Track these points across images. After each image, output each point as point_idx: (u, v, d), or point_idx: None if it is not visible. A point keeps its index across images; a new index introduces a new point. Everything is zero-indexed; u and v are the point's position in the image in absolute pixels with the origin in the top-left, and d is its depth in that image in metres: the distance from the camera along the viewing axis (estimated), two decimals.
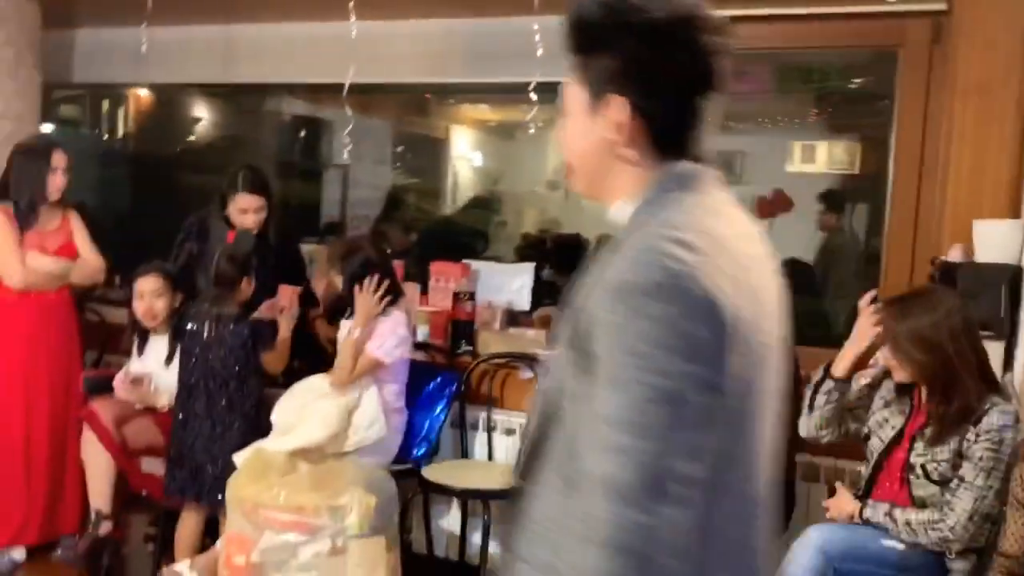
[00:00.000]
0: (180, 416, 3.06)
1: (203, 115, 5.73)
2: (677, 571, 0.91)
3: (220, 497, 2.84)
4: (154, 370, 3.30)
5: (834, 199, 4.25)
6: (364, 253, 3.07)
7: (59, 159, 3.37)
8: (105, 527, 3.17)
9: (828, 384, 2.44)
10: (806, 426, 2.48)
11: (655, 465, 0.90)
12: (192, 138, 5.65)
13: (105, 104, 5.52)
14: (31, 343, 3.33)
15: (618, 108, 1.05)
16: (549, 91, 3.95)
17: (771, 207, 4.34)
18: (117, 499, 3.25)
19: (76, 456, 3.27)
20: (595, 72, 1.06)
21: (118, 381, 3.26)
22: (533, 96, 3.52)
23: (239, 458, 2.78)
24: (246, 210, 3.36)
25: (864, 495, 2.41)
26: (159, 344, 3.32)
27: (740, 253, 1.02)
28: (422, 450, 3.22)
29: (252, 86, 4.79)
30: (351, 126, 3.54)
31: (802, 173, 4.31)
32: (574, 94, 1.09)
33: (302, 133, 5.72)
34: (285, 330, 3.16)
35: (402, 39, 3.97)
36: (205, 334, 3.04)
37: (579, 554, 0.93)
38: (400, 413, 3.15)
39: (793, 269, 3.88)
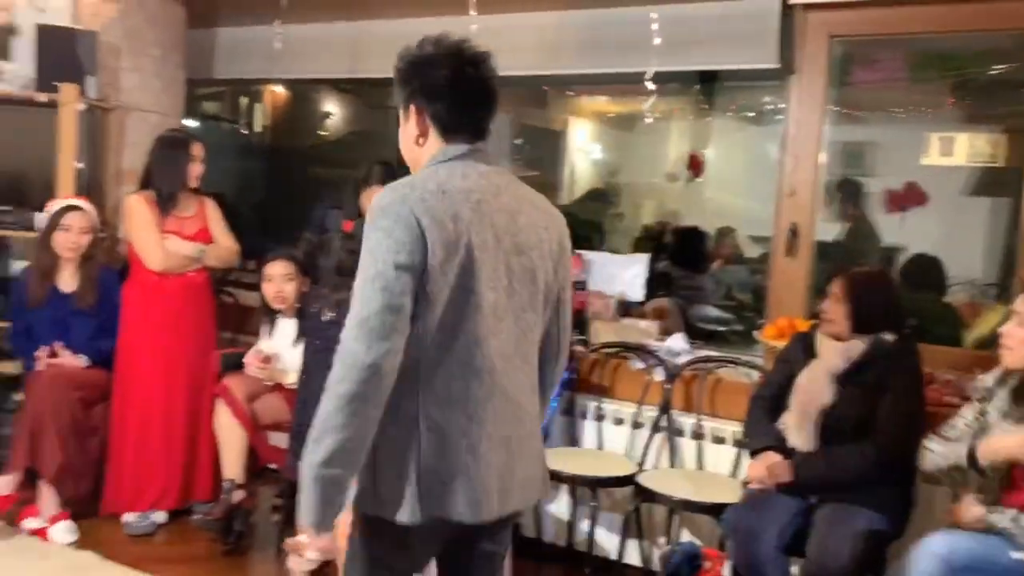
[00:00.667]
0: (302, 395, 3.22)
1: (333, 110, 5.98)
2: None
3: None
4: (282, 350, 3.49)
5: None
6: None
7: (197, 149, 3.61)
8: (237, 495, 3.39)
9: (969, 471, 2.31)
10: (928, 461, 2.40)
11: (361, 314, 1.53)
12: (323, 132, 5.91)
13: (243, 100, 5.84)
14: (172, 321, 3.57)
15: (414, 114, 1.71)
16: (667, 81, 3.93)
17: (902, 200, 4.16)
18: (247, 470, 3.46)
19: (210, 429, 3.50)
20: (402, 96, 1.72)
21: (249, 359, 3.47)
22: (650, 86, 3.50)
23: None
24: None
25: (992, 501, 2.29)
26: (287, 325, 3.51)
27: (464, 197, 1.59)
28: None
29: (379, 81, 4.95)
30: None
31: (939, 166, 4.09)
32: (401, 115, 1.74)
33: None
34: None
35: (520, 31, 4.02)
36: (325, 317, 3.18)
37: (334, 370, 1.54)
38: None
39: (919, 264, 3.70)
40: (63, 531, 3.31)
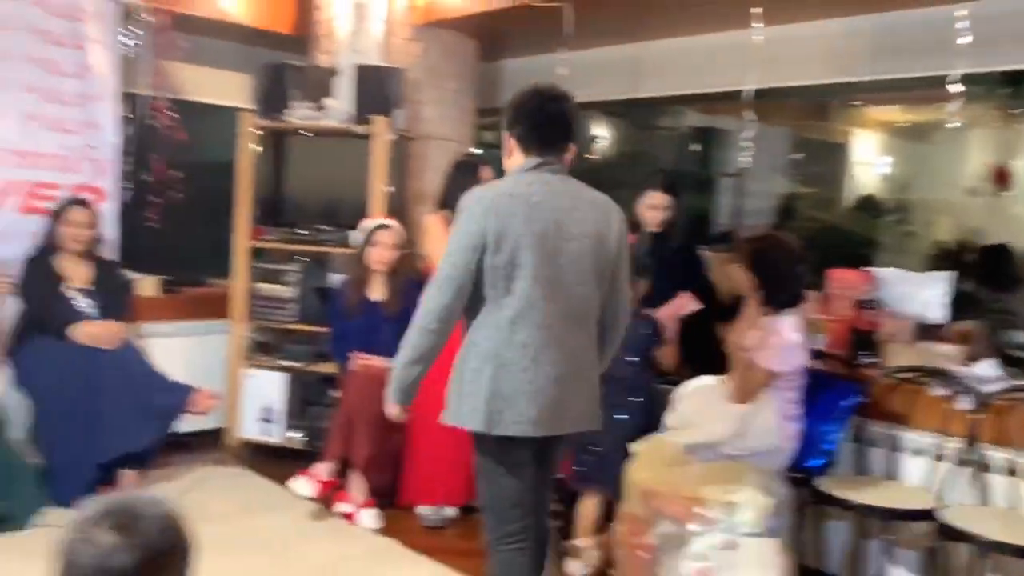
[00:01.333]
0: None
1: (602, 133, 6.13)
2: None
3: (616, 483, 3.04)
4: None
5: None
6: (777, 252, 2.99)
7: (486, 173, 3.87)
8: None
9: None
10: None
11: (439, 275, 2.23)
12: (590, 156, 6.08)
13: None
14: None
15: (506, 137, 2.35)
16: (971, 84, 3.63)
17: None
18: None
19: None
20: (503, 124, 2.35)
21: None
22: (957, 88, 3.24)
23: (637, 446, 2.96)
24: (655, 207, 3.61)
25: None
26: None
27: (525, 199, 2.22)
28: (818, 461, 3.13)
29: (653, 100, 5.02)
30: (751, 132, 3.58)
31: None
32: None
33: (695, 145, 5.85)
34: (671, 330, 3.29)
35: (806, 41, 3.91)
36: None
37: None
38: (795, 421, 3.09)
39: None
40: (369, 517, 3.67)
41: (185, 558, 1.31)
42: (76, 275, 3.81)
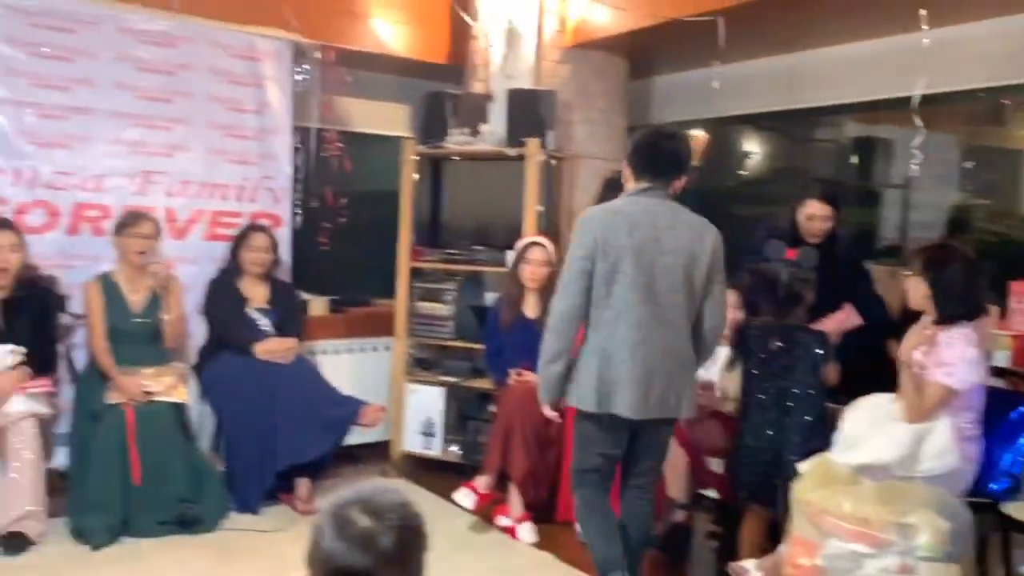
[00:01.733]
0: (746, 423, 3.25)
1: (755, 148, 5.99)
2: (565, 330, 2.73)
3: (781, 502, 2.96)
4: (717, 377, 3.57)
5: None
6: (955, 262, 2.84)
7: None
8: (680, 515, 3.52)
9: None
10: None
11: (562, 283, 2.74)
12: (742, 172, 5.95)
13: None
14: None
15: (624, 165, 2.83)
16: None
17: None
18: (688, 493, 3.58)
19: None
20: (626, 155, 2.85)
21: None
22: None
23: (804, 466, 2.86)
24: (813, 216, 3.54)
25: None
26: (721, 352, 3.58)
27: (627, 217, 2.68)
28: (1003, 485, 2.93)
29: (804, 113, 4.87)
30: (920, 139, 3.41)
31: None
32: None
33: (855, 157, 5.61)
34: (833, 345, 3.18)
35: (977, 41, 3.70)
36: (772, 346, 3.19)
37: None
38: (975, 442, 2.91)
39: None
40: (527, 531, 3.72)
41: (425, 539, 1.42)
42: (256, 295, 4.11)
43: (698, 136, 3.32)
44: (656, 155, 2.76)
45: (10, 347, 3.40)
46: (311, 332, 4.47)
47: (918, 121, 3.37)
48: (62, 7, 3.87)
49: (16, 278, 3.48)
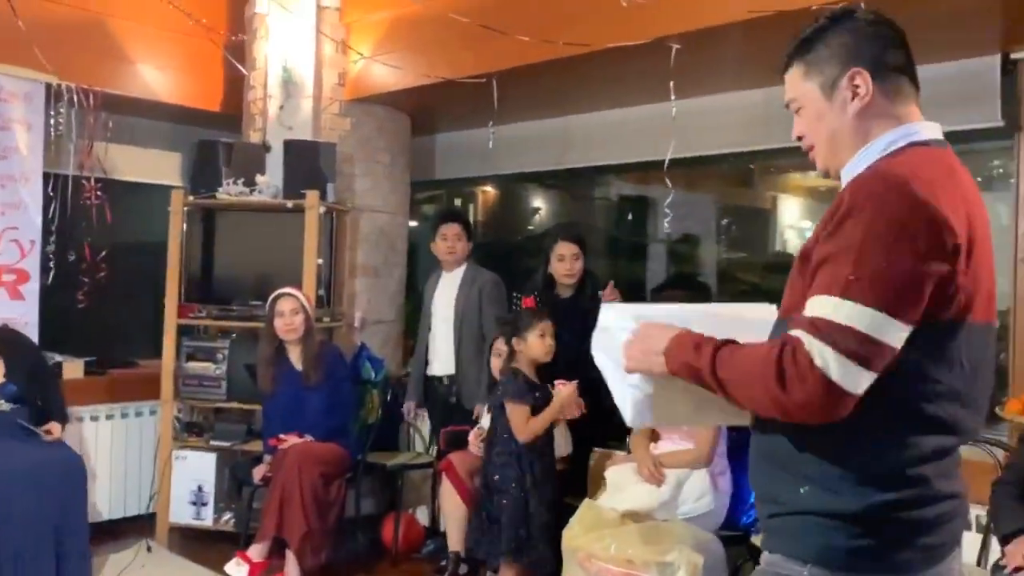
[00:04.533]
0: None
1: (540, 204, 6.25)
2: None
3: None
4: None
5: None
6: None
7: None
8: (462, 568, 3.49)
9: None
10: None
11: None
12: (531, 227, 6.18)
13: (457, 200, 6.26)
14: None
15: None
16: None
17: None
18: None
19: None
20: None
21: (472, 437, 3.62)
22: None
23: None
24: (563, 256, 3.77)
25: None
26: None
27: None
28: (752, 517, 3.15)
29: (582, 172, 5.15)
30: (671, 198, 3.69)
31: None
32: None
33: (628, 213, 5.98)
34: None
35: (720, 112, 4.09)
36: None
37: None
38: (724, 476, 3.13)
39: None
40: None
41: None
42: None
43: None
44: None
45: None
46: (67, 397, 4.06)
47: (668, 182, 3.63)
48: None
49: None
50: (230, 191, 4.29)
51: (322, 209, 4.26)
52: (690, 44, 3.29)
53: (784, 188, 6.01)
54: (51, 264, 4.24)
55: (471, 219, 6.20)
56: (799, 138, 1.45)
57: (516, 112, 4.57)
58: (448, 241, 4.14)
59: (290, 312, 3.87)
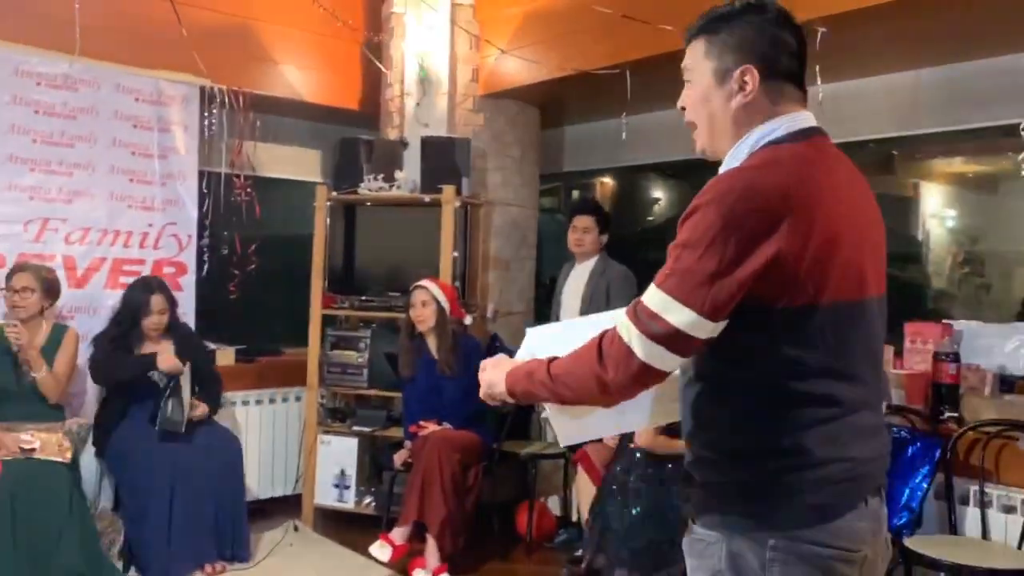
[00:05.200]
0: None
1: (659, 195, 6.17)
2: None
3: None
4: None
5: None
6: None
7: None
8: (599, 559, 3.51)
9: None
10: None
11: None
12: (651, 218, 6.11)
13: (575, 193, 6.27)
14: None
15: None
16: None
17: None
18: None
19: None
20: None
21: None
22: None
23: None
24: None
25: None
26: None
27: None
28: (903, 519, 3.03)
29: (706, 161, 5.05)
30: None
31: None
32: None
33: None
34: None
35: (867, 97, 3.93)
36: None
37: None
38: None
39: None
40: None
41: None
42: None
43: None
44: None
45: None
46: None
47: None
48: None
49: None
50: (371, 186, 4.44)
51: (458, 203, 4.35)
52: (835, 27, 3.19)
53: (928, 175, 5.73)
54: (205, 257, 4.50)
55: None
56: (682, 108, 1.55)
57: (645, 102, 4.52)
58: (577, 233, 4.17)
59: (420, 304, 3.99)
